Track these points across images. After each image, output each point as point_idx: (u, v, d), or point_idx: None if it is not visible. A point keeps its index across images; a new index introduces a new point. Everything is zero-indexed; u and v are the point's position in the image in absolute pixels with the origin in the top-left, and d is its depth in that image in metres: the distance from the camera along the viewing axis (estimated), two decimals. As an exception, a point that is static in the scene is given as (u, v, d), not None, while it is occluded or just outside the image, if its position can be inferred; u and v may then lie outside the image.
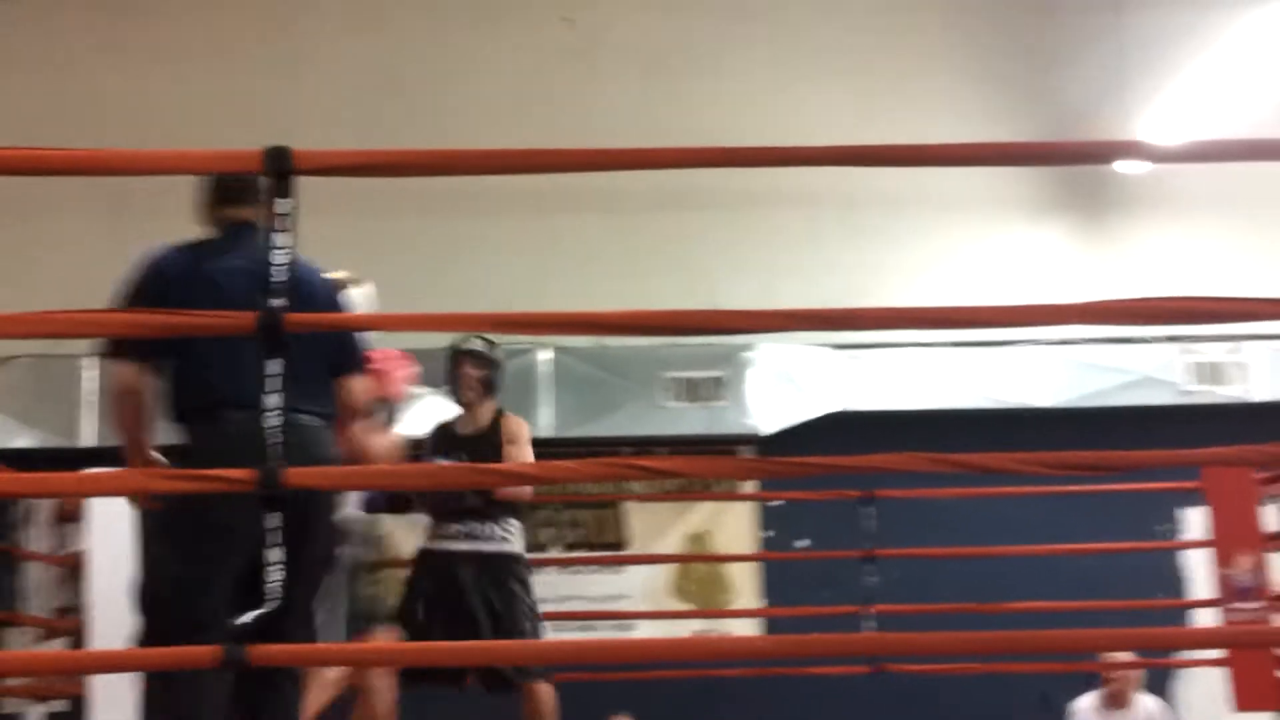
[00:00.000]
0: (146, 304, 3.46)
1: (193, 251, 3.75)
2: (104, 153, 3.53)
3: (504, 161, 3.56)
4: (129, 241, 9.05)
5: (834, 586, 6.62)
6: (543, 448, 8.09)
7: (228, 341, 3.48)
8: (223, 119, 8.60)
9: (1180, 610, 7.69)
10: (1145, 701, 7.06)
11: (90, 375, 8.63)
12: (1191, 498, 7.28)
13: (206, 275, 3.64)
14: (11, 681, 6.81)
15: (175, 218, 8.69)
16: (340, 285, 4.38)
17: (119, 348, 3.67)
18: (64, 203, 8.77)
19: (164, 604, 3.55)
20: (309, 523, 3.53)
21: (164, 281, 3.64)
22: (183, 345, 3.58)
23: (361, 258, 8.16)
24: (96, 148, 3.41)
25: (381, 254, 8.56)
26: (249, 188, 3.79)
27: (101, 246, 8.75)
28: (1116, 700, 6.99)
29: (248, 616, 3.30)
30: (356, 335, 3.94)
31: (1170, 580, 8.54)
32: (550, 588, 8.65)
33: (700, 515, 8.78)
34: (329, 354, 3.77)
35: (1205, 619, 6.64)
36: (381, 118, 8.74)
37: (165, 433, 3.74)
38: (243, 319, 3.15)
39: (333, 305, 3.84)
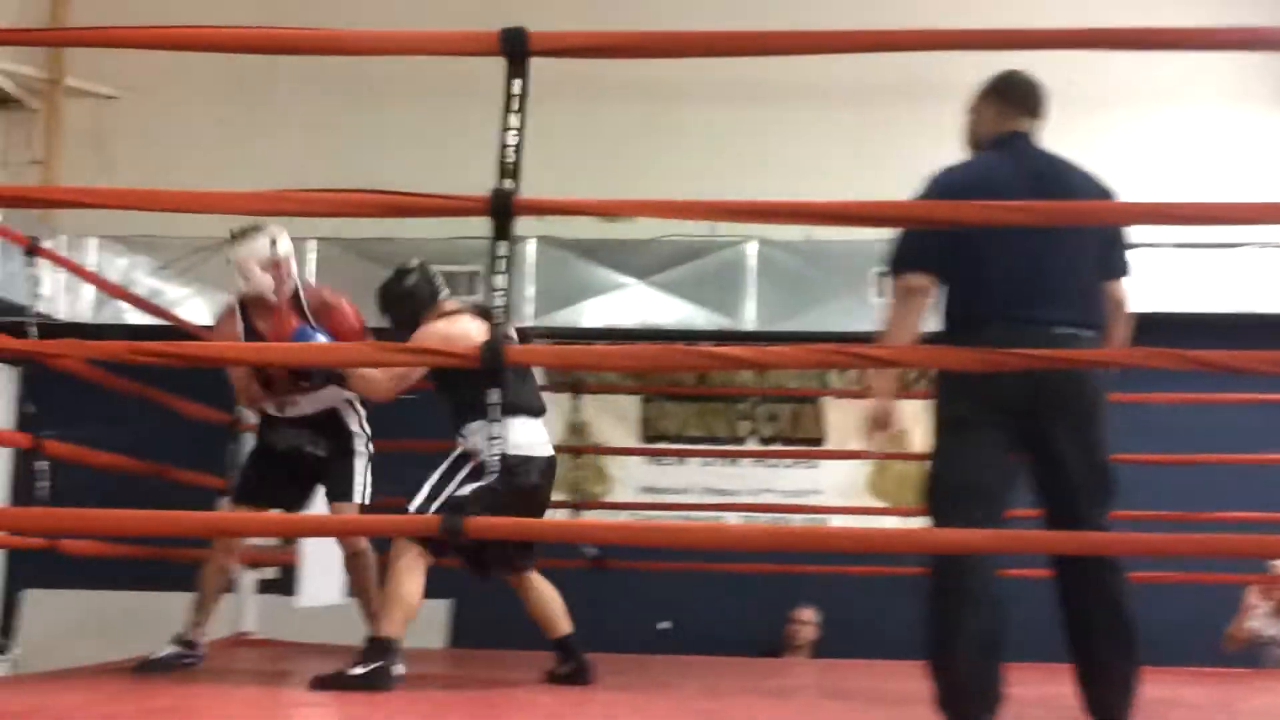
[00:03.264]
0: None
1: (970, 167, 3.78)
2: (344, 33, 3.61)
3: (732, 44, 3.54)
4: (360, 124, 9.31)
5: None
6: (745, 341, 8.17)
7: (1010, 253, 3.58)
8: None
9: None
10: None
11: (312, 259, 8.90)
12: None
13: (984, 188, 3.58)
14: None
15: (389, 105, 8.99)
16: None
17: (911, 258, 3.72)
18: (287, 88, 9.01)
19: (938, 502, 3.71)
20: (1068, 416, 3.61)
21: (948, 194, 3.63)
22: (967, 255, 3.62)
23: (576, 144, 8.37)
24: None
25: (598, 140, 8.66)
26: (1029, 98, 3.83)
27: (332, 129, 9.05)
28: None
29: (465, 489, 3.44)
30: (1127, 235, 3.80)
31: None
32: (744, 480, 8.74)
33: (900, 413, 8.67)
34: (1100, 257, 3.71)
35: None
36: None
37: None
38: (474, 200, 3.22)
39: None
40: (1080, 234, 3.66)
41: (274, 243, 5.24)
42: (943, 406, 3.75)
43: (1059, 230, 3.60)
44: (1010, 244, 3.58)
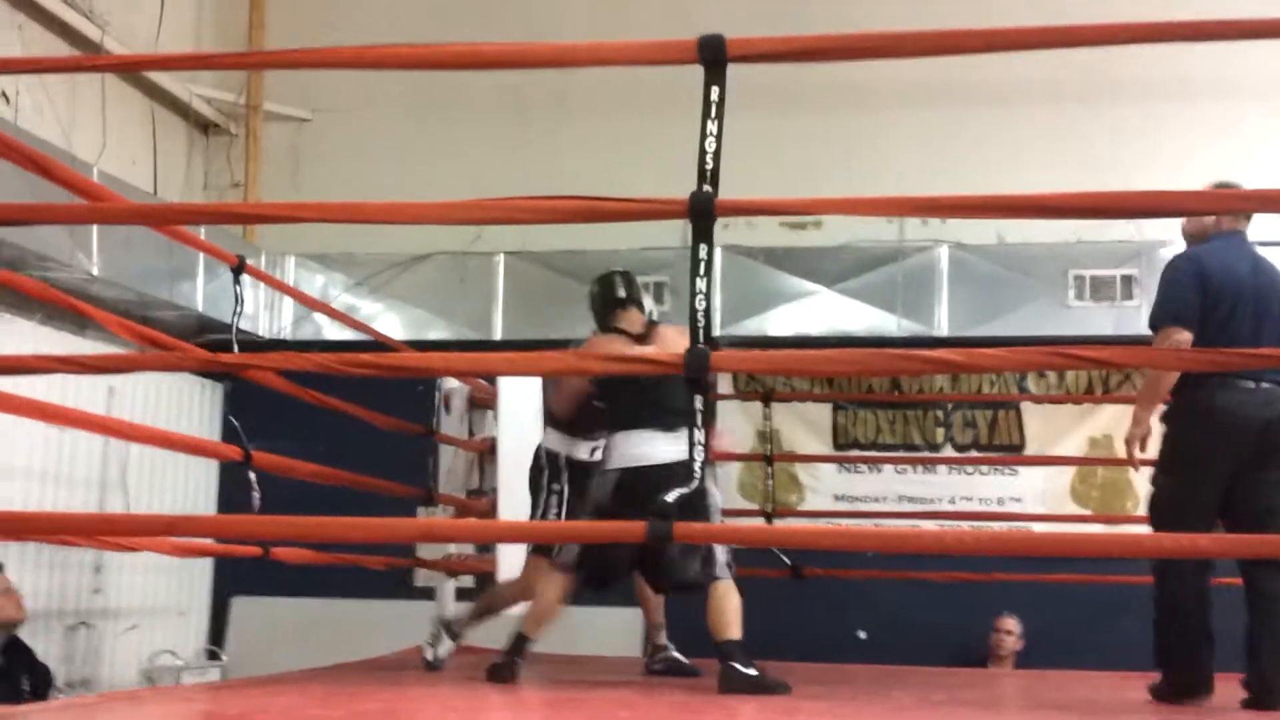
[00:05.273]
0: (1194, 290, 4.46)
1: (1211, 251, 4.61)
2: (539, 46, 3.63)
3: (926, 45, 3.47)
4: (548, 137, 9.38)
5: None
6: (939, 347, 8.02)
7: (1244, 323, 4.43)
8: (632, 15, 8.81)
9: None
10: None
11: (501, 272, 9.04)
12: None
13: (1233, 269, 4.54)
14: (427, 557, 7.25)
15: (571, 116, 9.06)
16: None
17: (1180, 315, 4.47)
18: (471, 102, 9.15)
19: (1166, 519, 4.46)
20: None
21: (1204, 273, 4.51)
22: (1213, 320, 4.44)
23: (758, 150, 8.33)
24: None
25: (777, 146, 8.60)
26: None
27: (521, 142, 9.17)
28: None
29: (672, 495, 3.49)
30: None
31: None
32: (940, 487, 8.59)
33: (1103, 419, 8.42)
34: None
35: None
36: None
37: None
38: (675, 203, 3.21)
39: None
40: None
41: None
42: (1183, 440, 4.52)
43: (1274, 309, 4.51)
44: (1244, 317, 4.46)
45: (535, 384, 6.81)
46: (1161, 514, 4.50)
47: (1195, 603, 4.46)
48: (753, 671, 4.55)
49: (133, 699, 4.60)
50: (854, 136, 8.85)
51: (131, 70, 8.10)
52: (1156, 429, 4.64)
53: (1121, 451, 6.49)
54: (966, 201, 3.32)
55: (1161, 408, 4.65)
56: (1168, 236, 7.86)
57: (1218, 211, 4.52)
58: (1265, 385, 4.42)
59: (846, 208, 3.24)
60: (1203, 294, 4.47)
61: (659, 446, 4.91)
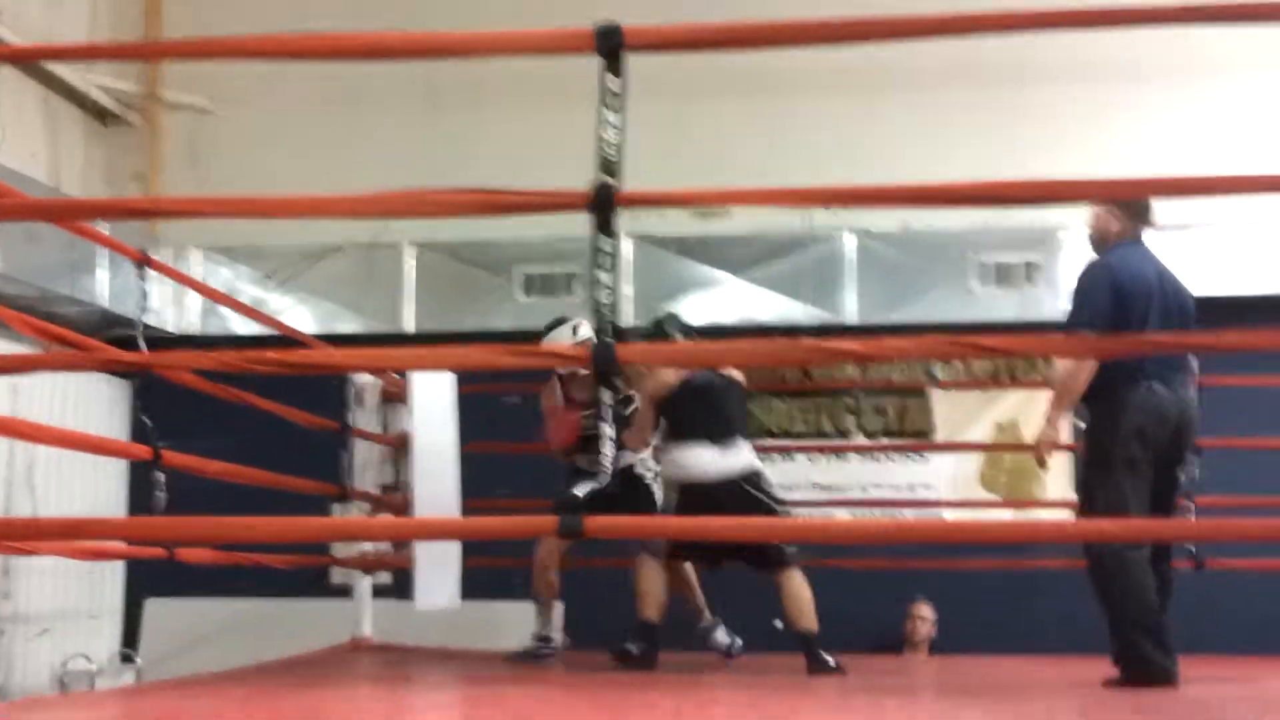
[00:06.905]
0: (1111, 297, 4.65)
1: (1124, 257, 4.81)
2: (438, 36, 3.62)
3: (831, 32, 3.49)
4: (455, 127, 9.28)
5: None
6: (846, 334, 8.08)
7: (1160, 323, 4.63)
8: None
9: None
10: None
11: (411, 264, 8.96)
12: None
13: (1142, 275, 4.75)
14: (342, 554, 7.19)
15: (482, 109, 8.98)
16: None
17: (1090, 321, 4.64)
18: (380, 94, 9.05)
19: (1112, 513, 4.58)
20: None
21: (1117, 280, 4.71)
22: (1122, 320, 4.60)
23: (670, 139, 8.33)
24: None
25: (690, 135, 8.60)
26: (1148, 213, 4.89)
27: (427, 133, 9.08)
28: None
29: (581, 489, 3.54)
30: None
31: None
32: (852, 475, 8.65)
33: (1009, 404, 8.55)
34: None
35: None
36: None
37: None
38: (575, 195, 3.22)
39: (1190, 312, 4.84)
40: (1185, 322, 4.79)
41: (575, 330, 5.97)
42: (1115, 444, 4.68)
43: (1179, 319, 4.74)
44: (1155, 322, 4.66)
45: (447, 378, 6.80)
46: (1107, 508, 4.60)
47: (1150, 592, 4.62)
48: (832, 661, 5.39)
49: (46, 705, 4.53)
50: (766, 123, 8.85)
51: (26, 60, 7.93)
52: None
53: (1027, 436, 6.66)
54: (872, 192, 3.36)
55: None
56: (1069, 223, 7.99)
57: (1119, 198, 4.66)
58: (1176, 389, 4.74)
59: (747, 199, 3.26)
60: (1116, 300, 4.67)
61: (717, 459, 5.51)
